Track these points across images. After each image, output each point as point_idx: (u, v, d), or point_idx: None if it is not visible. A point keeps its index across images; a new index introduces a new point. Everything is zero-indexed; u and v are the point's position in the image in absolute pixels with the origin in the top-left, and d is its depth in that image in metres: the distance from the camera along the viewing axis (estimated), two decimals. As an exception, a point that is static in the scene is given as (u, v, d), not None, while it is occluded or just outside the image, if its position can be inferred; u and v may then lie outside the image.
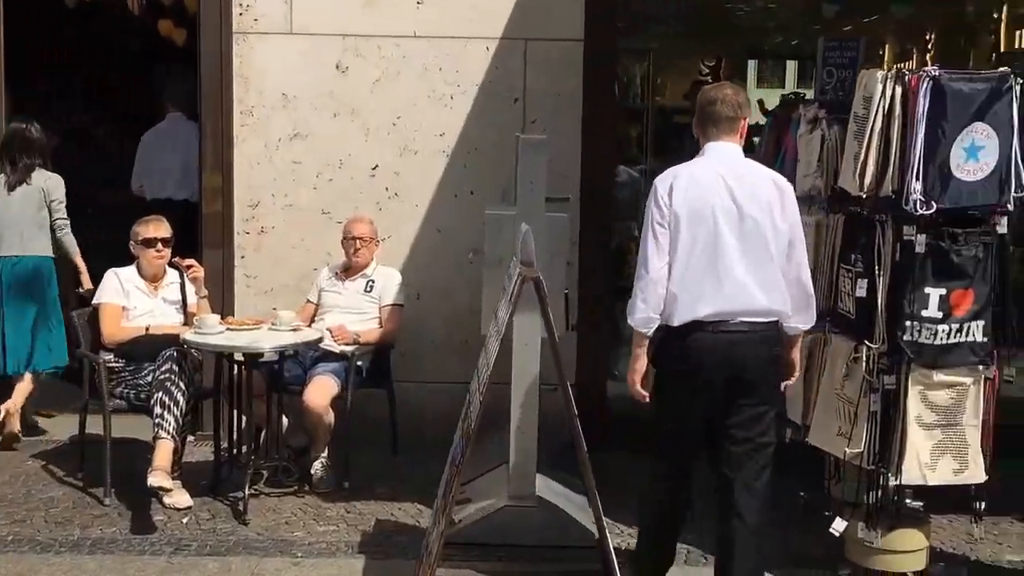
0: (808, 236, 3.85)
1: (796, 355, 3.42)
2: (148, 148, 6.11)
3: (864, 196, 3.40)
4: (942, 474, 3.45)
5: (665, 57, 7.40)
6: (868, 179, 3.38)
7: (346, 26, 5.09)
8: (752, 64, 9.72)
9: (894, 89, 3.32)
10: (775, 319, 3.25)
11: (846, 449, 3.51)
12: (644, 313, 3.21)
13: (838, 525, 3.57)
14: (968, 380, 3.41)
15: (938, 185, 3.28)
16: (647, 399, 3.33)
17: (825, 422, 3.69)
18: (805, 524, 4.01)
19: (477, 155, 5.14)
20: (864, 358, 3.45)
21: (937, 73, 3.24)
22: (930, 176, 3.27)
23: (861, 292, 3.41)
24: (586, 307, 4.86)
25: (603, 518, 3.47)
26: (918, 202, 3.26)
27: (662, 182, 3.26)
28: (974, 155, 3.28)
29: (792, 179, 4.31)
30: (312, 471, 4.59)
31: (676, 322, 3.21)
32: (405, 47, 5.10)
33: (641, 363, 3.30)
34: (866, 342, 3.43)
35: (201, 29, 5.10)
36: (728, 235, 3.17)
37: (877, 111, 3.34)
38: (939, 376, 3.39)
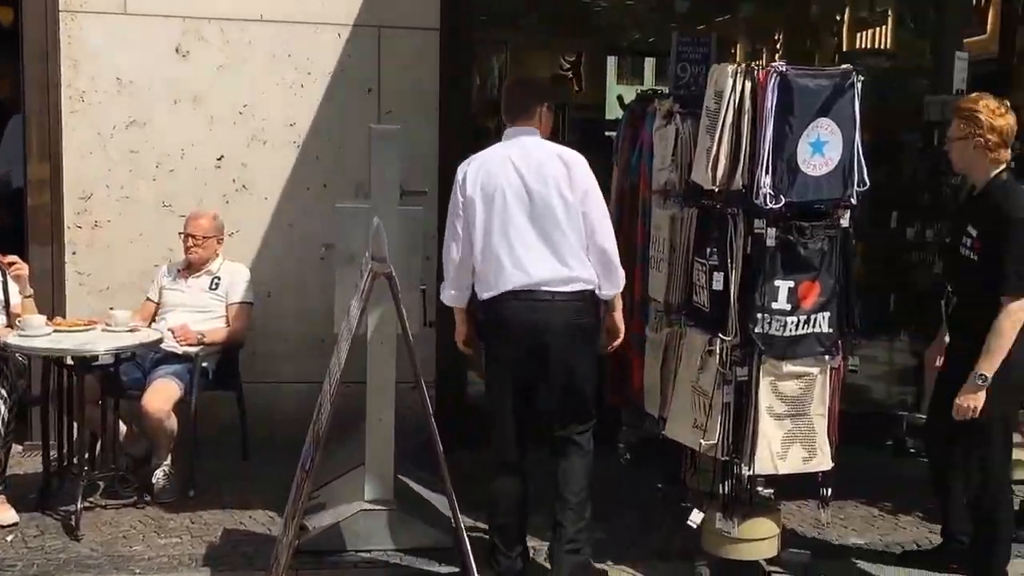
0: (663, 229, 3.88)
1: (617, 318, 3.60)
2: (16, 133, 5.59)
3: (716, 190, 3.42)
4: (792, 463, 3.51)
5: (525, 50, 7.38)
6: (720, 173, 3.40)
7: (186, 7, 4.80)
8: (612, 60, 9.85)
9: (743, 84, 3.35)
10: (581, 287, 3.43)
11: (701, 441, 3.53)
12: (448, 291, 3.57)
13: (695, 517, 3.59)
14: (815, 370, 3.48)
15: (786, 179, 3.33)
16: (470, 352, 3.65)
17: (681, 415, 3.71)
18: (664, 516, 4.03)
19: (330, 146, 4.95)
20: (718, 350, 3.47)
21: (784, 69, 3.28)
22: (779, 170, 3.32)
23: (718, 285, 3.43)
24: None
25: (460, 518, 3.38)
26: (768, 196, 3.30)
27: (460, 170, 3.53)
28: (819, 150, 3.35)
29: (649, 173, 4.38)
30: (153, 480, 4.31)
31: (485, 296, 3.47)
32: (252, 32, 4.85)
33: (461, 327, 3.63)
34: (719, 335, 3.46)
35: (24, 6, 4.71)
36: (518, 212, 3.41)
37: (728, 106, 3.36)
38: (788, 367, 3.45)
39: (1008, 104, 3.51)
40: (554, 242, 3.40)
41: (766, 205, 3.31)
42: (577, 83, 8.40)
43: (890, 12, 7.00)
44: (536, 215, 3.40)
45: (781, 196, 3.31)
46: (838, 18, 7.43)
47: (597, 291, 3.49)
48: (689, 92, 4.50)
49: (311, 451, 3.34)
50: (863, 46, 7.23)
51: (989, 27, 6.56)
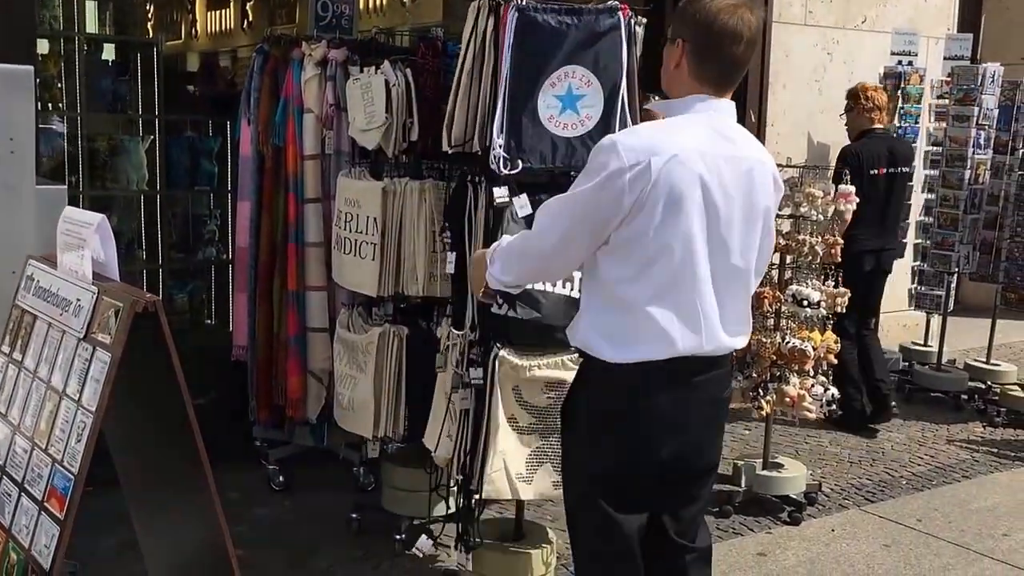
0: (364, 205, 3.17)
1: None
2: None
3: (450, 151, 2.80)
4: (540, 486, 2.89)
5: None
6: (456, 131, 2.78)
7: None
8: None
9: (487, 22, 2.73)
10: None
11: (437, 452, 2.93)
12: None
13: (423, 544, 2.99)
14: (568, 376, 2.85)
15: (528, 138, 2.70)
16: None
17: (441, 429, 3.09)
18: (380, 553, 3.25)
19: None
20: (458, 347, 2.86)
21: (524, 3, 2.64)
22: (517, 128, 2.68)
23: (450, 268, 2.83)
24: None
25: None
26: (501, 159, 2.67)
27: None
28: (572, 106, 2.71)
29: (299, 134, 3.57)
30: None
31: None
32: None
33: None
34: (453, 329, 2.85)
35: None
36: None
37: (468, 49, 2.74)
38: (536, 371, 2.83)
39: None
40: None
41: (500, 170, 2.68)
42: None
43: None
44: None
45: (518, 160, 2.68)
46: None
47: None
48: (337, 33, 3.81)
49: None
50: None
51: None
